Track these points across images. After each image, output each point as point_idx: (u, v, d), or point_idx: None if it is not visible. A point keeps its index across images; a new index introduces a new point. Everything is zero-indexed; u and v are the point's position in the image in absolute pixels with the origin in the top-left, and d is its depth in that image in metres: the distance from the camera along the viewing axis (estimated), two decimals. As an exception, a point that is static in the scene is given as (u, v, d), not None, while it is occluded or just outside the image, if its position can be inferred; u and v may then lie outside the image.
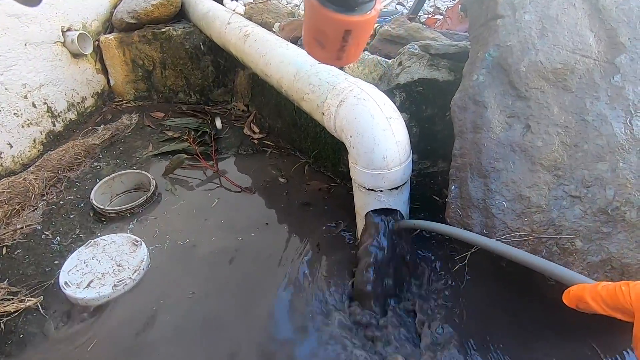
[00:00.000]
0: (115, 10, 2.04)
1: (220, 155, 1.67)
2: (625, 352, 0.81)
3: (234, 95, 2.11)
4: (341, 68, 1.23)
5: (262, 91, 1.78)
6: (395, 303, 0.98)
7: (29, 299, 1.06)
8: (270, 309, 1.00)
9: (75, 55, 1.88)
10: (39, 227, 1.32)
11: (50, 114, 1.75)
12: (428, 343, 0.87)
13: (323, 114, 1.02)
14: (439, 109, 1.15)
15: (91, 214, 1.37)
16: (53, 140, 1.75)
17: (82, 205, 1.42)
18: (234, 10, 1.87)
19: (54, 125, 1.77)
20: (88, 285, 1.07)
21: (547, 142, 0.83)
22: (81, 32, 1.83)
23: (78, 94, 1.92)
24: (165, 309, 1.03)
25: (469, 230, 0.88)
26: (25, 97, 1.62)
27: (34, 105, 1.66)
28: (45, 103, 1.72)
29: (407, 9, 2.08)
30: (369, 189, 0.95)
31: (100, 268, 1.12)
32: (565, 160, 0.82)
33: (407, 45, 1.17)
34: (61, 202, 1.42)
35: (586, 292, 0.55)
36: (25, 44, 1.61)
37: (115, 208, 1.35)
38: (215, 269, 1.13)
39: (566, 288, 0.61)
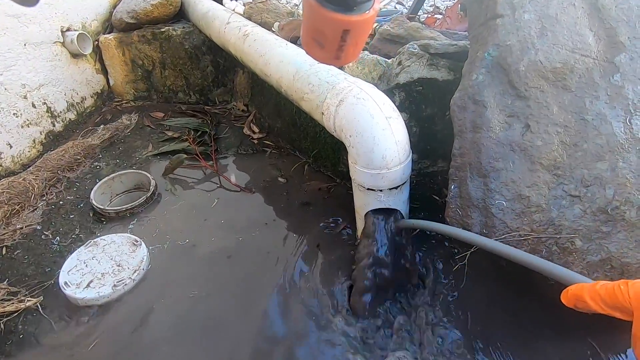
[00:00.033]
0: (115, 10, 2.04)
1: (220, 155, 1.67)
2: (623, 353, 0.81)
3: (234, 95, 2.11)
4: (341, 68, 1.23)
5: (262, 91, 1.78)
6: (395, 303, 0.98)
7: (28, 299, 1.06)
8: (269, 309, 1.00)
9: (75, 56, 1.88)
10: (38, 227, 1.32)
11: (50, 114, 1.75)
12: (427, 343, 0.87)
13: (322, 113, 1.02)
14: (439, 108, 1.15)
15: (91, 214, 1.37)
16: (53, 140, 1.75)
17: (81, 205, 1.42)
18: (234, 10, 1.87)
19: (54, 126, 1.77)
20: (88, 285, 1.07)
21: (547, 141, 0.83)
22: (80, 32, 1.83)
23: (78, 94, 1.92)
24: (165, 309, 1.03)
25: (468, 230, 0.88)
26: (25, 97, 1.62)
27: (34, 106, 1.66)
28: (44, 103, 1.72)
29: (406, 8, 2.07)
30: (368, 189, 0.95)
31: (100, 268, 1.12)
32: (564, 160, 0.82)
33: (407, 45, 1.17)
34: (61, 202, 1.42)
35: (585, 292, 0.55)
36: (25, 44, 1.61)
37: (115, 208, 1.35)
38: (216, 268, 1.13)
39: (564, 288, 0.61)
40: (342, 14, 0.39)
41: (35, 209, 1.38)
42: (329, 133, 1.06)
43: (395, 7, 2.15)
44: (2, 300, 1.05)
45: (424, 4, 1.88)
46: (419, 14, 1.83)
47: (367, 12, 0.40)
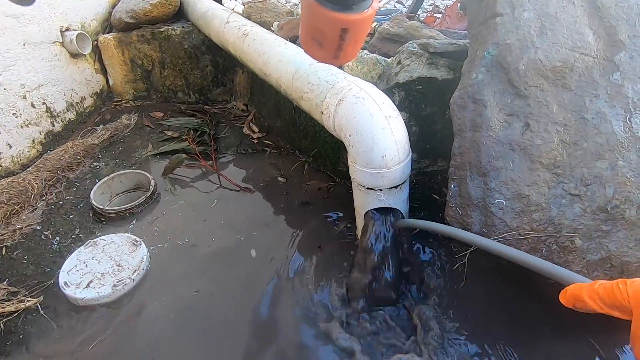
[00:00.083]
0: (114, 10, 2.04)
1: (219, 155, 1.67)
2: (623, 352, 0.81)
3: (233, 95, 2.11)
4: (340, 67, 1.22)
5: (262, 90, 1.78)
6: (394, 302, 0.98)
7: (28, 299, 1.06)
8: (269, 309, 1.00)
9: (74, 55, 1.88)
10: (38, 228, 1.32)
11: (49, 114, 1.75)
12: (427, 342, 0.87)
13: (322, 113, 1.02)
14: (438, 107, 1.15)
15: (91, 214, 1.37)
16: (52, 140, 1.75)
17: (81, 205, 1.42)
18: (233, 9, 1.87)
19: (53, 126, 1.77)
20: (88, 285, 1.07)
21: (547, 140, 0.83)
22: (80, 32, 1.83)
23: (77, 94, 1.92)
24: (165, 309, 1.03)
25: (468, 229, 0.88)
26: (24, 97, 1.62)
27: (33, 106, 1.66)
28: (44, 103, 1.72)
29: (406, 7, 2.07)
30: (368, 188, 0.94)
31: (99, 268, 1.12)
32: (564, 159, 0.82)
33: (406, 44, 1.17)
34: (60, 202, 1.42)
35: (583, 291, 0.55)
36: (24, 44, 1.61)
37: (115, 208, 1.35)
38: (216, 268, 1.13)
39: (563, 287, 0.61)
40: (341, 13, 0.39)
41: (35, 209, 1.38)
42: (328, 132, 1.06)
43: (395, 6, 2.14)
44: (2, 300, 1.06)
45: (424, 3, 1.88)
46: (418, 12, 1.83)
47: (365, 10, 0.40)
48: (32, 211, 1.37)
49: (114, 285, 1.07)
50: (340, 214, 1.27)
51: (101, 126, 1.86)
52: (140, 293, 1.08)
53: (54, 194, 1.46)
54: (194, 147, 1.66)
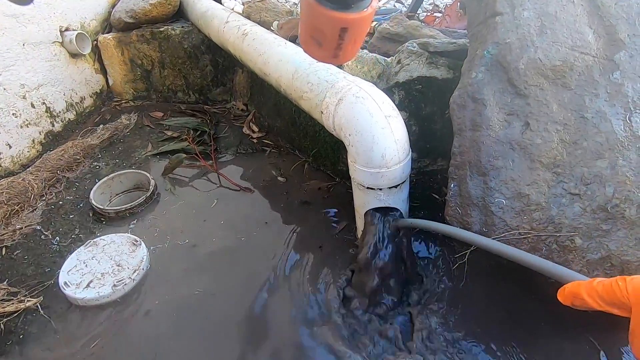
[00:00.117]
0: (114, 10, 2.04)
1: (219, 155, 1.67)
2: (623, 350, 0.81)
3: (233, 95, 2.10)
4: (340, 66, 1.22)
5: (261, 90, 1.77)
6: (394, 302, 0.98)
7: (28, 299, 1.06)
8: (270, 309, 1.00)
9: (74, 55, 1.88)
10: (38, 228, 1.32)
11: (49, 114, 1.75)
12: (427, 341, 0.87)
13: (322, 112, 1.02)
14: (438, 107, 1.15)
15: (90, 214, 1.37)
16: (52, 140, 1.75)
17: (81, 205, 1.42)
18: (232, 9, 1.87)
19: (53, 126, 1.77)
20: (88, 285, 1.07)
21: (547, 139, 0.83)
22: (79, 32, 1.83)
23: (77, 94, 1.91)
24: (165, 308, 1.03)
25: (468, 228, 0.88)
26: (24, 97, 1.62)
27: (33, 106, 1.66)
28: (44, 103, 1.72)
29: (405, 6, 2.07)
30: (368, 188, 0.94)
31: (99, 268, 1.12)
32: (564, 158, 0.82)
33: (406, 43, 1.16)
34: (60, 203, 1.42)
35: (582, 289, 0.55)
36: (24, 44, 1.61)
37: (115, 208, 1.35)
38: (216, 268, 1.13)
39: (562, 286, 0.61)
40: (340, 12, 0.39)
41: (35, 209, 1.38)
42: (328, 132, 1.06)
43: (395, 6, 2.14)
44: (2, 300, 1.06)
45: (423, 2, 1.88)
46: (418, 12, 1.83)
47: (365, 9, 0.40)
48: (32, 211, 1.37)
49: (114, 285, 1.07)
50: (340, 214, 1.27)
51: (101, 126, 1.86)
52: (140, 293, 1.08)
53: (53, 194, 1.46)
54: (194, 146, 1.66)
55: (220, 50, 1.89)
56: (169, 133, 1.83)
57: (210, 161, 1.58)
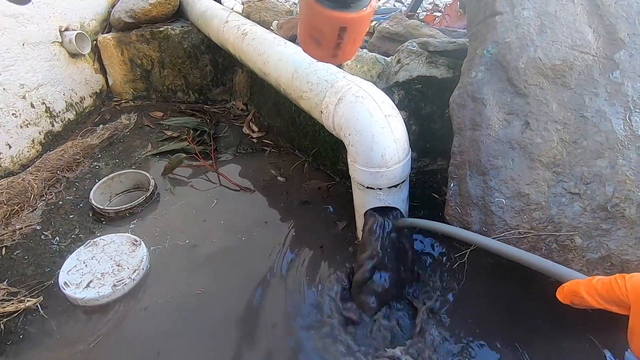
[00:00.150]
0: (113, 10, 2.04)
1: (219, 155, 1.67)
2: (623, 349, 0.81)
3: (233, 94, 2.10)
4: (339, 66, 1.22)
5: (261, 90, 1.77)
6: (395, 302, 0.98)
7: (28, 299, 1.06)
8: (270, 308, 1.00)
9: (74, 55, 1.88)
10: (38, 228, 1.32)
11: (49, 114, 1.75)
12: (427, 341, 0.87)
13: (321, 112, 1.02)
14: (438, 106, 1.15)
15: (90, 214, 1.37)
16: (52, 140, 1.75)
17: (81, 205, 1.42)
18: (232, 8, 1.87)
19: (53, 126, 1.77)
20: (87, 285, 1.07)
21: (546, 138, 0.83)
22: (79, 31, 1.83)
23: (76, 93, 1.91)
24: (165, 308, 1.03)
25: (468, 228, 0.88)
26: (24, 97, 1.62)
27: (33, 106, 1.66)
28: (43, 103, 1.72)
29: (405, 6, 2.07)
30: (367, 187, 0.94)
31: (99, 268, 1.12)
32: (564, 157, 0.82)
33: (406, 43, 1.16)
34: (60, 203, 1.42)
35: (581, 287, 0.55)
36: (23, 44, 1.61)
37: (115, 208, 1.35)
38: (216, 268, 1.13)
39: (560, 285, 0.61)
40: (339, 11, 0.39)
41: (35, 209, 1.38)
42: (328, 132, 1.06)
43: (394, 5, 2.14)
44: (2, 300, 1.05)
45: (423, 2, 1.88)
46: (417, 11, 1.83)
47: (364, 9, 0.40)
48: (32, 211, 1.37)
49: (114, 285, 1.07)
50: (341, 213, 1.27)
51: (101, 126, 1.86)
52: (140, 293, 1.08)
53: (53, 194, 1.46)
54: (194, 146, 1.66)
55: (220, 50, 1.88)
56: (169, 133, 1.83)
57: (210, 161, 1.58)
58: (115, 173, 1.50)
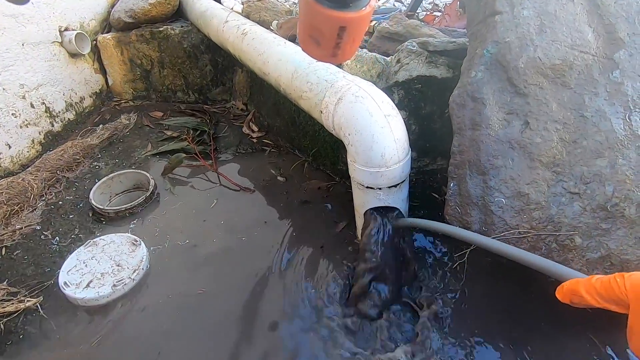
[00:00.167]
0: (113, 10, 2.04)
1: (219, 155, 1.67)
2: (623, 347, 0.81)
3: (233, 94, 2.10)
4: (339, 65, 1.22)
5: (261, 90, 1.77)
6: (395, 302, 0.98)
7: (28, 299, 1.06)
8: (269, 308, 1.00)
9: (73, 55, 1.88)
10: (38, 228, 1.32)
11: (49, 114, 1.75)
12: (426, 340, 0.87)
13: (321, 112, 1.02)
14: (438, 106, 1.15)
15: (90, 214, 1.37)
16: (52, 140, 1.75)
17: (81, 205, 1.42)
18: (232, 8, 1.87)
19: (53, 126, 1.77)
20: (87, 285, 1.07)
21: (546, 138, 0.83)
22: (79, 31, 1.83)
23: (76, 93, 1.91)
24: (165, 308, 1.03)
25: (467, 228, 0.88)
26: (23, 97, 1.62)
27: (32, 106, 1.66)
28: (43, 103, 1.72)
29: (405, 5, 2.07)
30: (367, 187, 0.94)
31: (99, 268, 1.12)
32: (564, 157, 0.82)
33: (406, 43, 1.16)
34: (60, 203, 1.42)
35: (580, 286, 0.55)
36: (23, 44, 1.61)
37: (114, 208, 1.35)
38: (215, 268, 1.13)
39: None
40: (338, 11, 0.39)
41: (35, 209, 1.38)
42: (328, 131, 1.06)
43: (394, 5, 2.14)
44: (2, 300, 1.05)
45: (423, 2, 1.88)
46: (417, 11, 1.83)
47: (363, 8, 0.40)
48: (32, 211, 1.37)
49: (114, 285, 1.07)
50: (341, 213, 1.27)
51: (100, 126, 1.86)
52: (140, 293, 1.08)
53: (53, 194, 1.46)
54: (194, 146, 1.66)
55: (219, 49, 1.88)
56: (169, 133, 1.83)
57: (210, 161, 1.58)
58: (115, 173, 1.50)
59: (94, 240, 1.22)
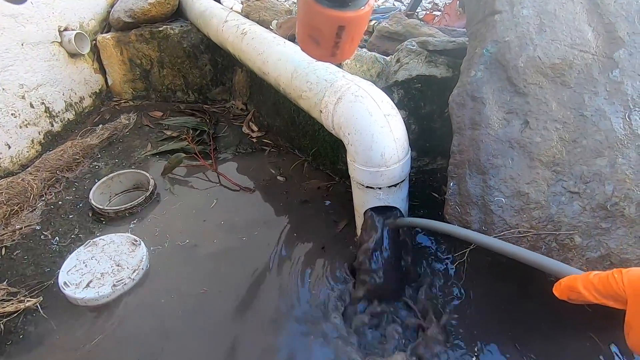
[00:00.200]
0: (112, 10, 2.04)
1: (218, 154, 1.66)
2: (623, 346, 0.81)
3: (233, 94, 2.10)
4: (339, 65, 1.22)
5: (261, 89, 1.77)
6: (395, 301, 0.98)
7: (28, 299, 1.06)
8: (269, 308, 1.00)
9: (73, 55, 1.87)
10: (37, 228, 1.32)
11: (48, 114, 1.75)
12: (425, 340, 0.87)
13: (321, 111, 1.02)
14: (438, 105, 1.15)
15: (90, 214, 1.37)
16: (51, 140, 1.75)
17: (81, 205, 1.42)
18: (231, 8, 1.86)
19: (52, 126, 1.77)
20: (87, 285, 1.07)
21: (546, 137, 0.83)
22: (78, 31, 1.83)
23: (76, 93, 1.91)
24: (165, 308, 1.03)
25: (467, 227, 0.88)
26: (23, 97, 1.61)
27: (32, 106, 1.66)
28: (43, 103, 1.72)
29: (404, 5, 2.07)
30: (367, 187, 0.94)
31: (99, 268, 1.12)
32: (564, 156, 0.82)
33: (405, 42, 1.16)
34: (60, 203, 1.42)
35: (578, 282, 0.55)
36: (22, 44, 1.61)
37: (114, 208, 1.34)
38: (215, 268, 1.13)
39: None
40: (337, 10, 0.39)
41: (34, 209, 1.38)
42: (327, 131, 1.06)
43: (394, 4, 2.14)
44: (2, 300, 1.05)
45: (422, 1, 1.88)
46: (417, 10, 1.83)
47: (362, 8, 0.40)
48: (32, 211, 1.37)
49: (114, 285, 1.07)
50: (341, 212, 1.27)
51: (100, 126, 1.86)
52: (140, 293, 1.08)
53: (53, 194, 1.46)
54: (193, 146, 1.66)
55: (219, 49, 1.88)
56: (168, 133, 1.83)
57: (210, 161, 1.58)
58: (115, 173, 1.50)
59: (94, 240, 1.22)
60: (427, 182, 1.25)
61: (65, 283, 1.08)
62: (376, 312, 0.95)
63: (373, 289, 0.96)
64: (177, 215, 1.35)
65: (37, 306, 1.05)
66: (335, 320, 0.94)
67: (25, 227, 1.31)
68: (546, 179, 0.83)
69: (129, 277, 1.09)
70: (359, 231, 1.07)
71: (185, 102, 2.14)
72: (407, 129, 0.93)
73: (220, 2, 1.94)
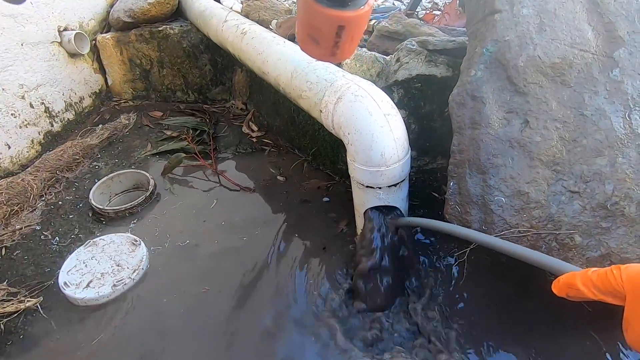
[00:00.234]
0: (112, 10, 2.04)
1: (218, 154, 1.66)
2: (623, 345, 0.81)
3: (232, 94, 2.10)
4: (339, 65, 1.22)
5: (260, 89, 1.77)
6: (395, 301, 0.97)
7: (28, 299, 1.06)
8: (269, 308, 1.00)
9: (73, 55, 1.87)
10: (38, 228, 1.32)
11: (48, 114, 1.75)
12: (425, 340, 0.87)
13: (321, 111, 1.02)
14: (438, 105, 1.15)
15: (90, 214, 1.37)
16: (51, 140, 1.75)
17: (81, 205, 1.42)
18: (231, 8, 1.86)
19: (52, 126, 1.77)
20: (87, 285, 1.07)
21: (546, 137, 0.83)
22: (78, 31, 1.83)
23: (76, 93, 1.91)
24: (165, 308, 1.03)
25: (467, 227, 0.88)
26: (23, 97, 1.61)
27: (32, 106, 1.66)
28: (42, 103, 1.72)
29: (404, 4, 2.07)
30: (367, 186, 0.94)
31: (99, 268, 1.12)
32: (564, 156, 0.82)
33: (405, 42, 1.16)
34: (60, 203, 1.42)
35: (577, 279, 0.55)
36: (22, 44, 1.61)
37: (114, 208, 1.34)
38: (215, 267, 1.13)
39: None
40: (337, 10, 0.39)
41: (34, 210, 1.38)
42: (327, 131, 1.06)
43: (393, 4, 2.14)
44: (2, 300, 1.06)
45: (422, 0, 1.88)
46: (417, 10, 1.82)
47: (361, 7, 0.40)
48: (32, 211, 1.37)
49: (114, 285, 1.07)
50: (341, 212, 1.27)
51: (100, 126, 1.86)
52: (140, 292, 1.08)
53: (53, 194, 1.46)
54: (193, 146, 1.66)
55: (219, 49, 1.88)
56: (168, 132, 1.83)
57: (210, 160, 1.58)
58: (115, 173, 1.50)
59: (94, 240, 1.22)
60: (427, 182, 1.25)
61: (65, 283, 1.08)
62: (375, 314, 0.95)
63: (372, 289, 0.96)
64: (177, 215, 1.35)
65: (37, 306, 1.05)
66: (335, 319, 0.94)
67: (25, 227, 1.31)
68: (546, 178, 0.82)
69: (129, 277, 1.09)
70: (359, 231, 1.07)
71: (185, 102, 2.14)
72: (407, 129, 0.93)
73: (220, 2, 1.94)
